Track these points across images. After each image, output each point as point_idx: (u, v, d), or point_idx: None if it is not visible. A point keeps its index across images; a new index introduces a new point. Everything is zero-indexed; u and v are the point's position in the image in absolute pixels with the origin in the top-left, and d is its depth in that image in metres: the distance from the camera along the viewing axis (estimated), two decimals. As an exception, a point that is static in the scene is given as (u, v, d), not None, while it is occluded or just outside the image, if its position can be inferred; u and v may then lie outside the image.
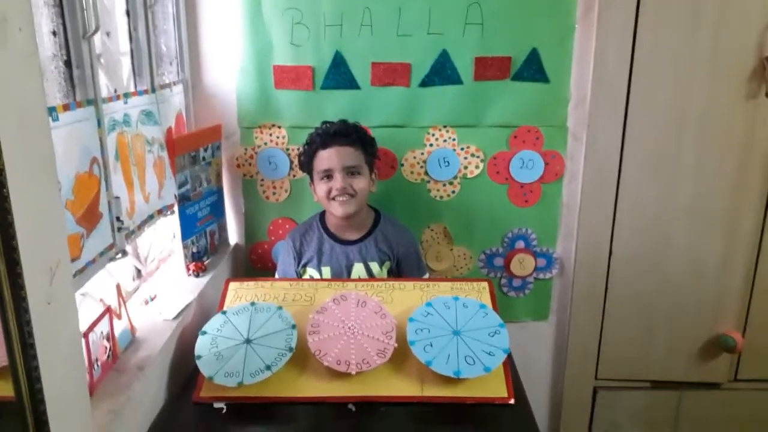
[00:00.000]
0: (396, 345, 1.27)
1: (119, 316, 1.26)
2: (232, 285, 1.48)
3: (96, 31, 1.06)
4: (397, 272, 1.64)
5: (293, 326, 1.30)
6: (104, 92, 1.26)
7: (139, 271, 1.55)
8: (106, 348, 1.15)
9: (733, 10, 1.62)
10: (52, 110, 0.97)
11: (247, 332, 1.31)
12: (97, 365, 1.10)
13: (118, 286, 1.26)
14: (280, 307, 1.35)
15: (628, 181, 1.78)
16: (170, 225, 1.66)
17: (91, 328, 1.08)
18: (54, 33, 1.00)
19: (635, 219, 1.81)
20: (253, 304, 1.37)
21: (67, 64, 1.04)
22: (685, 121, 1.71)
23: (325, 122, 1.62)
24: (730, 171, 1.74)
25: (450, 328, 1.30)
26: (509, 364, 1.28)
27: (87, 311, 1.19)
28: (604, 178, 1.79)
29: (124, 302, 1.27)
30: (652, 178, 1.77)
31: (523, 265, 1.87)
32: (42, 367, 0.75)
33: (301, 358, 1.26)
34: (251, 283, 1.48)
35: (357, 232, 1.63)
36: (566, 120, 1.77)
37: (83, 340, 1.05)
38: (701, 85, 1.68)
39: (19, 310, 0.72)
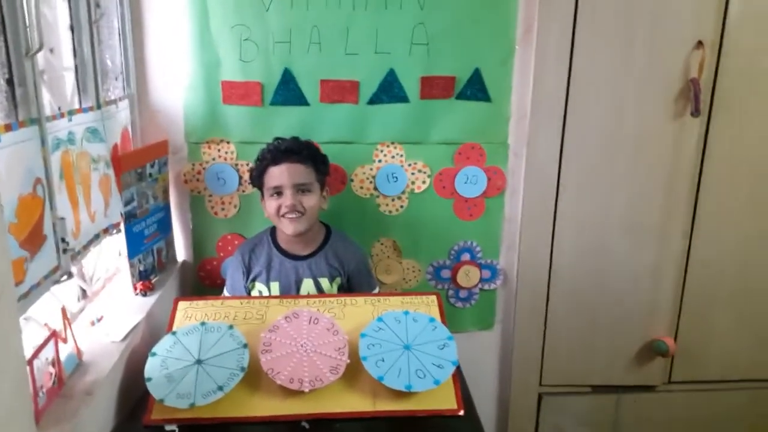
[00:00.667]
0: (348, 361, 1.29)
1: (65, 340, 1.23)
2: (182, 304, 1.47)
3: (40, 49, 1.04)
4: (347, 288, 1.66)
5: (245, 345, 1.30)
6: (48, 110, 1.24)
7: (84, 292, 1.51)
8: (51, 374, 1.12)
9: (663, 33, 1.73)
10: (-5, 133, 0.94)
11: (198, 353, 1.30)
12: (42, 392, 1.07)
13: (63, 309, 1.23)
14: (231, 326, 1.35)
15: (566, 195, 1.86)
16: (116, 242, 1.63)
17: (35, 354, 1.06)
18: (-5, 53, 0.97)
19: (574, 231, 1.89)
20: (203, 323, 1.37)
21: (9, 82, 1.02)
22: (619, 138, 1.81)
23: (276, 138, 1.63)
24: (660, 185, 1.85)
25: (401, 343, 1.33)
26: (458, 376, 1.32)
27: (31, 336, 1.17)
28: (543, 193, 1.86)
29: (70, 325, 1.24)
30: (589, 192, 1.86)
31: (469, 276, 1.92)
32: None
33: (254, 377, 1.27)
34: (201, 302, 1.47)
35: (307, 247, 1.64)
36: (507, 137, 1.84)
37: (27, 368, 1.02)
38: (633, 103, 1.79)
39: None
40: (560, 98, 1.78)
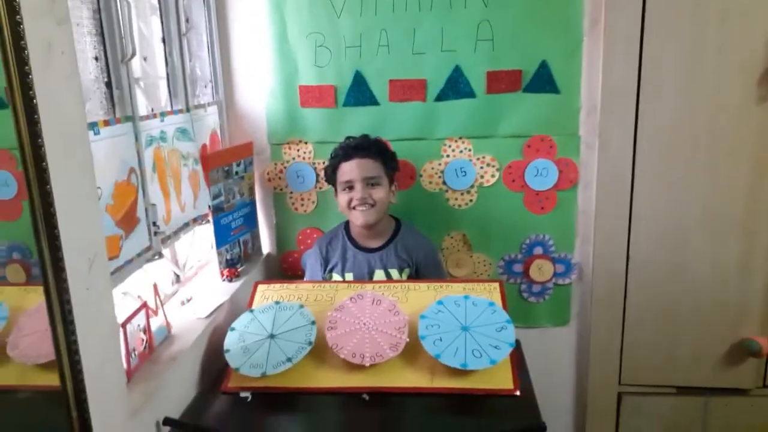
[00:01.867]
0: (408, 339, 1.35)
1: (155, 312, 1.39)
2: (260, 287, 1.60)
3: (132, 56, 1.21)
4: (416, 278, 1.72)
5: (313, 322, 1.40)
6: (143, 111, 1.42)
7: (178, 277, 1.69)
8: (143, 340, 1.27)
9: (738, 14, 1.66)
10: (94, 125, 1.11)
11: (272, 328, 1.41)
12: (134, 354, 1.22)
13: (155, 286, 1.39)
14: (301, 306, 1.46)
15: (642, 186, 1.81)
16: (208, 235, 1.80)
17: (128, 319, 1.21)
18: (96, 58, 1.15)
19: (651, 223, 1.83)
20: (277, 303, 1.48)
21: (108, 85, 1.19)
22: (697, 126, 1.75)
23: (348, 137, 1.74)
24: (745, 173, 1.75)
25: (459, 324, 1.37)
26: (516, 358, 1.33)
27: (128, 308, 1.33)
28: (617, 184, 1.83)
29: (161, 301, 1.40)
30: (666, 182, 1.80)
31: (542, 270, 1.92)
32: (81, 346, 0.87)
33: (320, 351, 1.36)
34: (277, 285, 1.59)
35: (378, 240, 1.73)
36: (578, 128, 1.83)
37: (121, 330, 1.18)
38: (710, 90, 1.72)
39: (61, 291, 0.85)
40: (631, 88, 1.75)
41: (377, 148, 1.70)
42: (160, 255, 1.39)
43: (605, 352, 1.95)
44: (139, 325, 1.26)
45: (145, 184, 1.32)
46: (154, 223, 1.36)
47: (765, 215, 1.78)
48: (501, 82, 1.79)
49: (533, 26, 1.75)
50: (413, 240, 1.74)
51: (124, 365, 1.17)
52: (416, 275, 1.72)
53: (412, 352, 1.34)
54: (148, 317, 1.30)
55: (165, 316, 1.39)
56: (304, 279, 1.83)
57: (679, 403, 1.95)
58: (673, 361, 1.92)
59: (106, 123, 1.16)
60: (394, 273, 1.70)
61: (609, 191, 1.84)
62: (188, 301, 1.57)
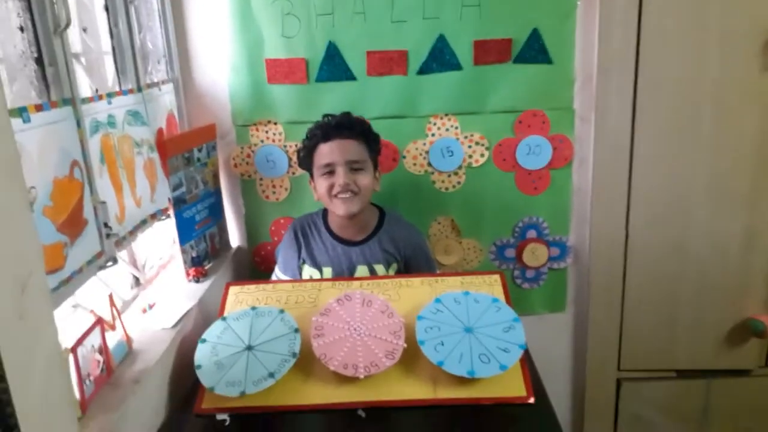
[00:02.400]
0: (405, 345, 1.20)
1: (113, 327, 1.20)
2: (233, 289, 1.42)
3: (67, 25, 1.00)
4: (405, 273, 1.56)
5: (296, 330, 1.23)
6: (86, 92, 1.21)
7: (137, 279, 1.49)
8: (99, 362, 1.08)
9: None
10: (22, 110, 0.91)
11: (249, 338, 1.24)
12: (89, 381, 1.04)
13: (110, 296, 1.20)
14: (282, 311, 1.29)
15: (641, 162, 1.70)
16: (170, 229, 1.60)
17: (79, 341, 1.02)
18: (21, 29, 0.93)
19: (651, 201, 1.73)
20: (254, 308, 1.31)
21: (38, 61, 0.98)
22: (699, 97, 1.63)
23: (326, 115, 1.54)
24: (750, 146, 1.66)
25: (461, 325, 1.22)
26: (527, 361, 1.20)
27: (80, 323, 1.14)
28: (615, 161, 1.71)
29: (119, 312, 1.21)
30: (667, 157, 1.69)
31: (536, 255, 1.79)
32: (13, 389, 0.68)
33: (306, 363, 1.20)
34: (252, 287, 1.42)
35: (360, 232, 1.55)
36: (572, 102, 1.69)
37: (71, 356, 0.99)
38: (713, 58, 1.60)
39: (-15, 326, 0.66)
40: (630, 56, 1.62)
41: (361, 128, 1.50)
42: (115, 260, 1.19)
43: (603, 337, 1.85)
44: (93, 346, 1.07)
45: (92, 179, 1.12)
46: (106, 224, 1.16)
47: (769, 190, 1.68)
48: (489, 52, 1.63)
49: (523, -11, 1.59)
50: (400, 231, 1.57)
51: (77, 396, 0.98)
52: (404, 270, 1.57)
53: (411, 359, 1.19)
54: (103, 334, 1.11)
55: (124, 329, 1.21)
56: (276, 268, 1.64)
57: (680, 387, 1.88)
58: (674, 344, 1.84)
59: (39, 108, 0.96)
60: (379, 268, 1.53)
61: (606, 168, 1.72)
62: (150, 307, 1.38)
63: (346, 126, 1.48)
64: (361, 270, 1.53)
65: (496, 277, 1.39)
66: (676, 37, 1.59)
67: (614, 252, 1.78)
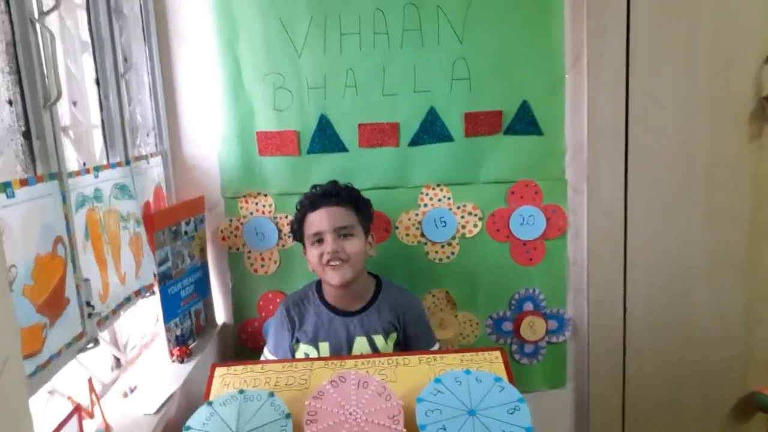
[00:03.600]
0: (405, 431, 1.12)
1: (91, 415, 1.12)
2: (219, 371, 1.34)
3: (58, 99, 0.97)
4: (404, 344, 1.50)
5: (287, 415, 1.15)
6: (73, 166, 1.17)
7: (118, 360, 1.41)
8: (74, 455, 1.00)
9: (727, 50, 1.59)
10: (7, 185, 0.87)
11: (236, 425, 1.15)
12: (63, 477, 0.95)
13: (89, 381, 1.12)
14: (271, 394, 1.21)
15: (636, 232, 1.69)
16: (152, 307, 1.53)
17: (54, 433, 0.94)
18: (10, 102, 0.91)
19: (648, 272, 1.71)
20: (241, 392, 1.23)
21: (26, 135, 0.94)
22: (690, 167, 1.65)
23: (314, 186, 1.53)
24: (743, 215, 1.66)
25: (464, 408, 1.16)
26: (534, 446, 1.13)
27: (56, 411, 1.06)
28: (610, 231, 1.70)
29: (98, 398, 1.13)
30: (662, 228, 1.68)
31: (533, 328, 1.74)
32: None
33: (299, 451, 1.11)
34: (239, 368, 1.34)
35: (357, 301, 1.50)
36: (564, 172, 1.69)
37: (44, 450, 0.91)
38: (702, 127, 1.63)
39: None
40: (619, 127, 1.64)
41: (348, 194, 1.48)
42: (96, 342, 1.12)
43: (605, 413, 1.78)
44: (68, 437, 0.99)
45: (75, 256, 1.07)
46: (88, 303, 1.10)
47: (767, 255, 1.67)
48: (480, 124, 1.64)
49: (512, 63, 1.62)
50: (399, 298, 1.52)
51: (49, 496, 0.90)
52: (403, 339, 1.50)
53: (411, 444, 1.12)
54: (81, 424, 1.03)
55: (103, 416, 1.12)
56: (266, 348, 1.57)
57: (688, 467, 1.78)
58: (679, 421, 1.77)
59: (24, 182, 0.92)
60: (379, 339, 1.47)
61: (601, 239, 1.70)
62: (132, 391, 1.29)
63: (332, 194, 1.46)
64: (360, 342, 1.46)
65: (497, 353, 1.33)
66: (663, 108, 1.62)
67: (613, 324, 1.73)
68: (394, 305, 1.49)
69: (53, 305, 0.99)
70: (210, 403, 1.21)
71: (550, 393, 1.80)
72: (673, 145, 1.64)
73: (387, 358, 1.34)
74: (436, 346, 1.54)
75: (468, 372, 1.23)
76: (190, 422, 1.18)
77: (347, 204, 1.46)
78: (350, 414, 1.16)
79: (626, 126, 1.64)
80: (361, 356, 1.41)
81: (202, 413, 1.19)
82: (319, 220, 1.43)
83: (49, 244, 0.99)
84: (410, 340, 1.50)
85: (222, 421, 1.17)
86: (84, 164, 1.21)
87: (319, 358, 1.43)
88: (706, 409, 1.76)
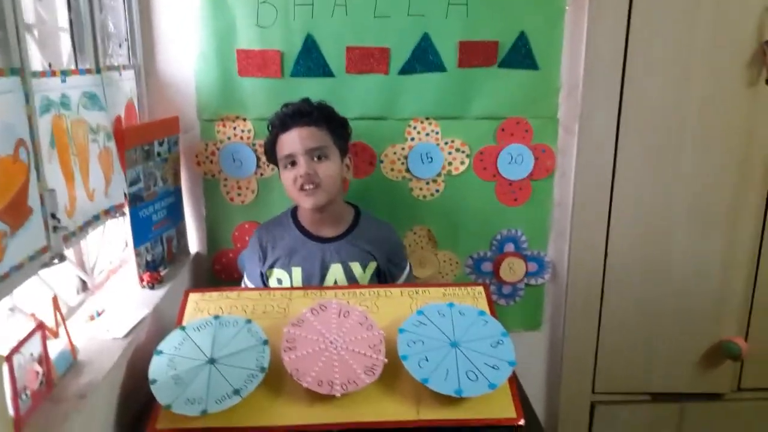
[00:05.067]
0: (386, 360, 1.09)
1: (56, 334, 1.06)
2: (192, 296, 1.29)
3: (20, -16, 0.87)
4: (385, 275, 1.46)
5: (265, 342, 1.11)
6: (39, 68, 1.07)
7: (84, 283, 1.34)
8: (38, 373, 0.94)
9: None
10: (-40, 74, 0.77)
11: (211, 350, 1.11)
12: (26, 395, 0.89)
13: (54, 299, 1.06)
14: (248, 321, 1.16)
15: (624, 176, 1.66)
16: (122, 232, 1.46)
17: (16, 349, 0.88)
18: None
19: (632, 218, 1.69)
20: (216, 317, 1.18)
21: (-16, 24, 0.84)
22: (685, 111, 1.61)
23: (285, 104, 1.42)
24: (732, 164, 1.64)
25: (447, 339, 1.13)
26: (515, 379, 1.11)
27: (17, 330, 0.99)
28: (598, 174, 1.67)
29: (63, 318, 1.06)
30: (651, 173, 1.65)
31: (513, 269, 1.72)
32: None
33: (276, 379, 1.08)
34: (214, 294, 1.29)
35: (334, 228, 1.44)
36: (557, 110, 1.64)
37: (5, 365, 0.84)
38: (700, 71, 1.58)
39: None
40: (617, 65, 1.59)
41: (320, 113, 1.39)
42: (62, 257, 1.05)
43: (579, 358, 1.79)
44: (32, 354, 0.92)
45: (39, 163, 0.98)
46: (53, 215, 1.02)
47: (749, 206, 1.67)
48: (475, 54, 1.56)
49: (512, -10, 1.53)
50: (378, 229, 1.47)
51: (11, 412, 0.84)
52: (386, 271, 1.46)
53: (392, 375, 1.09)
54: (45, 342, 0.96)
55: (69, 337, 1.06)
56: (243, 281, 1.52)
57: (654, 411, 1.83)
58: (649, 367, 1.80)
59: (-19, 74, 0.82)
60: (356, 267, 1.42)
61: (588, 181, 1.67)
62: (99, 314, 1.23)
63: (303, 113, 1.37)
64: (335, 269, 1.41)
65: (480, 289, 1.31)
66: (663, 48, 1.57)
67: (593, 269, 1.72)
68: (373, 235, 1.45)
69: (14, 213, 0.91)
70: (183, 328, 1.17)
71: (524, 335, 1.80)
72: (669, 88, 1.59)
73: (368, 289, 1.31)
74: (407, 270, 1.51)
75: (451, 305, 1.21)
76: (161, 346, 1.13)
77: (320, 123, 1.37)
78: (330, 343, 1.12)
79: (624, 66, 1.59)
80: (342, 287, 1.37)
81: (174, 338, 1.15)
82: (290, 141, 1.35)
83: (9, 147, 0.90)
84: (389, 271, 1.46)
85: (195, 345, 1.12)
86: (50, 66, 1.11)
87: (298, 288, 1.39)
88: (676, 357, 1.78)
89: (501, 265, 1.71)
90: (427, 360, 1.08)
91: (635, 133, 1.62)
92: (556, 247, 1.74)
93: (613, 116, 1.61)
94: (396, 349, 1.10)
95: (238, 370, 1.06)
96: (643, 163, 1.64)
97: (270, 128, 1.41)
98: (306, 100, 1.41)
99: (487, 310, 1.25)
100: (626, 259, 1.71)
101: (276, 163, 1.43)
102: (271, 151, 1.42)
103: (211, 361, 1.09)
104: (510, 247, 1.72)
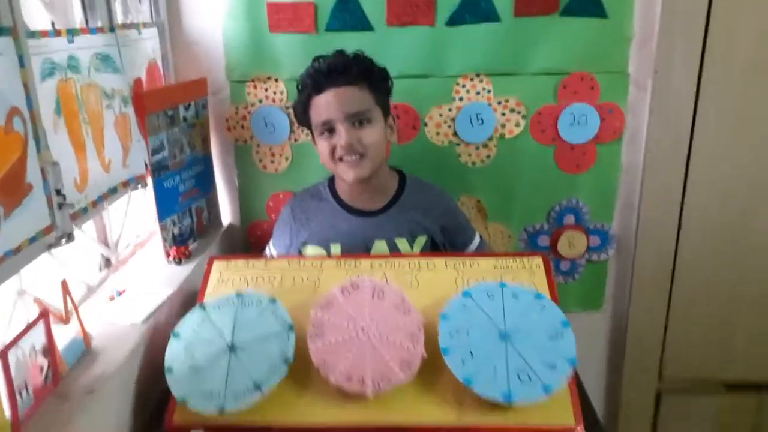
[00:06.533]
0: (425, 355, 0.97)
1: (66, 320, 0.98)
2: (217, 265, 1.19)
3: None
4: (435, 249, 1.30)
5: (290, 327, 1.01)
6: (37, 25, 0.97)
7: (108, 260, 1.27)
8: (41, 368, 0.86)
9: None
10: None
11: (231, 334, 1.01)
12: (27, 393, 0.81)
13: (63, 283, 0.98)
14: (273, 300, 1.05)
15: (703, 141, 1.46)
16: (148, 202, 1.37)
17: (12, 343, 0.79)
18: None
19: (711, 188, 1.50)
20: (239, 295, 1.07)
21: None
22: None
23: (317, 58, 1.25)
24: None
25: (496, 330, 0.99)
26: (574, 379, 0.97)
27: (28, 314, 0.93)
28: (673, 138, 1.47)
29: (74, 303, 0.99)
30: (734, 138, 1.46)
31: (572, 244, 1.56)
32: None
33: (301, 371, 0.97)
34: (240, 262, 1.19)
35: (377, 199, 1.29)
36: (627, 64, 1.44)
37: (-1, 362, 0.77)
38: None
39: None
40: (700, 12, 1.37)
41: (360, 69, 1.20)
42: (71, 237, 0.96)
43: (644, 342, 1.64)
44: (34, 347, 0.84)
45: (39, 133, 0.89)
46: (58, 192, 0.93)
47: None
48: (533, 1, 1.38)
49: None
50: (428, 194, 1.31)
51: (7, 414, 0.76)
52: (443, 245, 1.30)
53: (431, 371, 0.97)
54: (49, 331, 0.88)
55: (81, 323, 0.98)
56: (268, 247, 1.39)
57: (729, 403, 1.67)
58: (725, 354, 1.63)
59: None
60: (402, 243, 1.26)
61: (661, 146, 1.48)
62: (119, 294, 1.15)
63: (339, 70, 1.19)
64: (379, 246, 1.26)
65: (539, 260, 1.15)
66: None
67: (664, 244, 1.55)
68: (423, 202, 1.29)
69: (9, 191, 0.82)
70: (203, 306, 1.07)
71: (582, 316, 1.64)
72: (762, 39, 1.37)
73: (409, 259, 1.17)
74: (477, 239, 1.34)
75: (503, 285, 1.06)
76: (178, 328, 1.04)
77: (360, 81, 1.19)
78: (362, 329, 1.00)
79: (708, 12, 1.37)
80: (379, 256, 1.23)
81: (193, 318, 1.06)
82: (326, 105, 1.19)
83: (1, 117, 0.80)
84: (446, 244, 1.31)
85: (215, 327, 1.03)
86: (53, 24, 1.00)
87: (331, 257, 1.26)
88: (757, 343, 1.60)
89: (559, 240, 1.56)
90: (471, 356, 0.95)
91: (718, 92, 1.42)
92: (623, 219, 1.57)
93: (693, 72, 1.41)
94: (436, 338, 0.97)
95: (259, 360, 0.97)
96: (726, 126, 1.44)
97: (300, 88, 1.25)
98: (341, 53, 1.24)
99: (545, 286, 1.10)
100: (702, 233, 1.53)
101: (309, 127, 1.28)
102: (303, 115, 1.26)
103: (232, 347, 0.99)
104: (570, 219, 1.56)
